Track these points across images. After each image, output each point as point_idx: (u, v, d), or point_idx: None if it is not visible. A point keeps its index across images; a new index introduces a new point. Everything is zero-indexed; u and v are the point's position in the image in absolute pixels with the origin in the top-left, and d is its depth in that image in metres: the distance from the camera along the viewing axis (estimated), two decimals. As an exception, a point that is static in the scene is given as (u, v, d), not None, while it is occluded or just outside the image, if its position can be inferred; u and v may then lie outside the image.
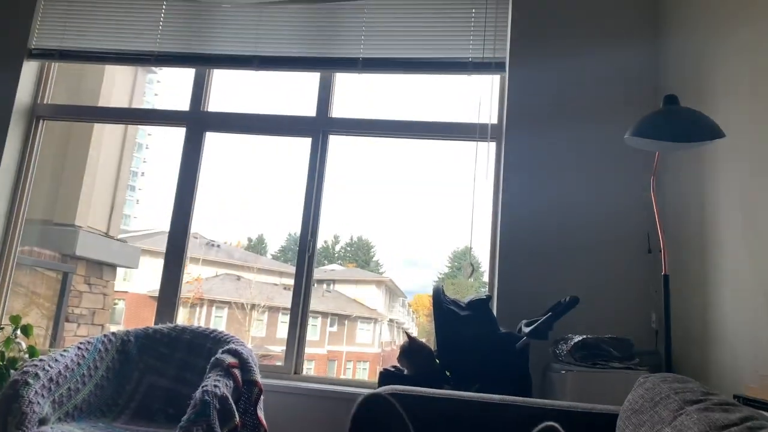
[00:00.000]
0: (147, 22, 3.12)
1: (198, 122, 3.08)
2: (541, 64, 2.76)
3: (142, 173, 5.57)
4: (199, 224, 3.12)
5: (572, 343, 2.08)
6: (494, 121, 2.83)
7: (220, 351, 2.25)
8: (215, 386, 1.96)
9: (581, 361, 2.04)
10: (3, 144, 3.02)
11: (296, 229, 2.92)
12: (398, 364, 2.22)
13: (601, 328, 2.29)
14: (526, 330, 2.09)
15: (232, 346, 2.29)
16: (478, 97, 2.83)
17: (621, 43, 2.73)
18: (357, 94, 3.16)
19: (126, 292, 5.09)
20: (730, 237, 2.01)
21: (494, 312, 2.51)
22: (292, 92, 3.28)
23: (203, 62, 3.08)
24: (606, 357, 2.05)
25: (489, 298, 2.21)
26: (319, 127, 2.98)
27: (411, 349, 2.20)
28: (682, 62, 2.49)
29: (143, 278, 4.96)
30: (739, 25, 2.05)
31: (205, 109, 3.13)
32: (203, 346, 2.46)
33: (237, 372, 2.13)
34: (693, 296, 2.24)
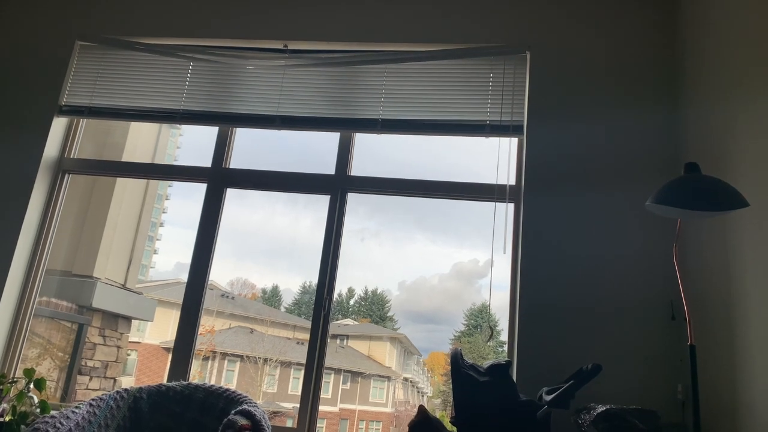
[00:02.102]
0: (174, 82, 3.23)
1: (219, 178, 3.13)
2: (559, 127, 2.78)
3: (161, 223, 5.62)
4: (215, 274, 3.11)
5: (595, 414, 2.01)
6: (512, 182, 2.84)
7: (233, 412, 2.21)
8: (227, 450, 1.92)
9: (605, 433, 1.96)
10: (28, 198, 3.08)
11: (311, 278, 2.91)
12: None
13: (625, 397, 2.22)
14: (548, 398, 2.03)
15: (245, 407, 2.25)
16: (496, 157, 2.86)
17: (640, 108, 2.75)
18: (376, 152, 3.21)
19: (139, 342, 5.05)
20: (757, 305, 1.97)
21: (514, 378, 2.45)
22: (312, 149, 3.33)
23: (227, 121, 3.16)
24: (631, 429, 1.97)
25: (509, 363, 2.16)
26: (337, 185, 3.01)
27: (422, 422, 2.15)
28: (703, 129, 2.49)
29: (157, 329, 4.94)
30: (760, 94, 2.06)
31: (227, 166, 3.19)
32: (216, 406, 2.42)
33: (249, 435, 2.09)
34: (720, 366, 2.17)
